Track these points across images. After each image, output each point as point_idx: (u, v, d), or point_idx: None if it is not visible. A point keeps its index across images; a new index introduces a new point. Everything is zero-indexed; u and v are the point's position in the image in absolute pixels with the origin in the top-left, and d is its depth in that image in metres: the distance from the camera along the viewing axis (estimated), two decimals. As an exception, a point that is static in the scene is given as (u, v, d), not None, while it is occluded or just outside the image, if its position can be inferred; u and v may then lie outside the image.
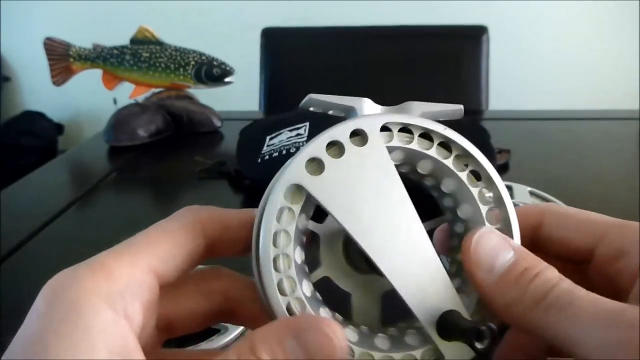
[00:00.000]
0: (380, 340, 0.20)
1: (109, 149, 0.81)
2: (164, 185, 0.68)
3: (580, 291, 0.17)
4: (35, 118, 2.10)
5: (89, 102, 2.00)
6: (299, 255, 0.19)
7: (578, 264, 0.21)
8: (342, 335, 0.17)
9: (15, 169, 1.08)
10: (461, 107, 0.21)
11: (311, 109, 0.21)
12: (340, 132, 0.19)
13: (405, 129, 0.20)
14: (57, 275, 0.17)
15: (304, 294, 0.19)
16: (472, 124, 0.69)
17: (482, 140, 0.64)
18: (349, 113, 0.21)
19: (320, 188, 0.19)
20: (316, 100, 0.21)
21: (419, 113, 0.21)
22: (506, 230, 0.21)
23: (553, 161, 0.71)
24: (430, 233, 0.22)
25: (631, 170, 0.66)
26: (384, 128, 0.20)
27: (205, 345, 0.31)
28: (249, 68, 1.18)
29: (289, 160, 0.19)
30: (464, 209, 0.21)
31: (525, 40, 1.93)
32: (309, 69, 1.21)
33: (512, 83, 1.84)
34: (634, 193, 0.57)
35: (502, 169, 0.65)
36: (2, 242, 0.50)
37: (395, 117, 0.20)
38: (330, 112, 0.22)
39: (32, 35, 1.41)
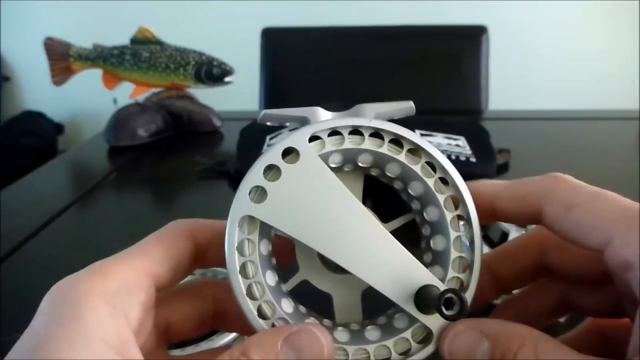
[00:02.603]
0: (371, 332, 0.20)
1: (109, 149, 0.81)
2: (164, 185, 0.68)
3: None
4: (35, 118, 2.10)
5: (89, 102, 1.99)
6: (271, 279, 0.20)
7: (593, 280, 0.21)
8: (329, 336, 0.19)
9: (15, 169, 1.07)
10: (410, 102, 0.22)
11: (268, 123, 0.22)
12: (273, 155, 0.20)
13: (335, 132, 0.21)
14: (59, 281, 0.18)
15: (285, 312, 0.20)
16: (472, 124, 0.69)
17: (482, 140, 0.64)
18: (303, 123, 0.21)
19: (269, 213, 0.20)
20: (271, 114, 0.22)
21: (372, 114, 0.21)
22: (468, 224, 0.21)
23: (553, 161, 0.71)
24: (402, 229, 0.22)
25: (631, 170, 0.66)
26: (315, 137, 0.20)
27: (205, 344, 0.32)
28: (249, 68, 1.18)
29: (236, 193, 0.20)
30: (414, 187, 0.21)
31: (525, 40, 1.93)
32: (309, 69, 1.21)
33: (512, 83, 1.83)
34: (634, 193, 0.57)
35: (502, 169, 0.65)
36: (2, 242, 0.50)
37: (320, 125, 0.20)
38: (287, 124, 0.22)
39: (32, 35, 1.40)
